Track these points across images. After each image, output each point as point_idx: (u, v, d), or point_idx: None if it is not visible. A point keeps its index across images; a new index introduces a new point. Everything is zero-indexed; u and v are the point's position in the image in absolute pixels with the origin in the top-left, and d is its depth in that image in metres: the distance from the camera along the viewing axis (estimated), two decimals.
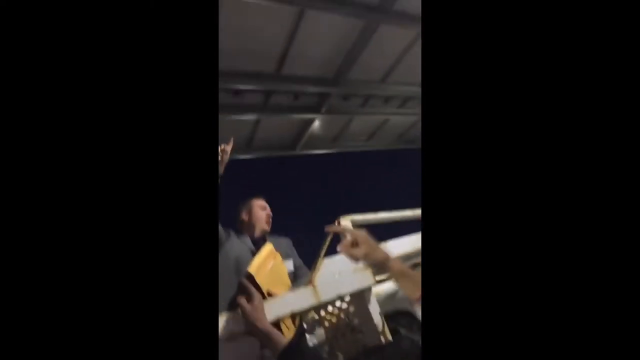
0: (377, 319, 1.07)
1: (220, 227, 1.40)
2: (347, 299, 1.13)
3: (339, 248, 0.77)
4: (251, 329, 0.80)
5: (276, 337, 0.79)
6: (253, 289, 0.81)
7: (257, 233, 1.50)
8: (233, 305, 0.98)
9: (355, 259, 0.74)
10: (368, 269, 1.08)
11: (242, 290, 0.82)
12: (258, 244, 1.45)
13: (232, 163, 1.55)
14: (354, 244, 0.74)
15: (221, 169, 1.35)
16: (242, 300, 0.81)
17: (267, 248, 1.29)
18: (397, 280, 0.75)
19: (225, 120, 2.58)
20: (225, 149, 1.37)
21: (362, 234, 0.79)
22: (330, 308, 1.15)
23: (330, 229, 0.85)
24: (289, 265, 1.48)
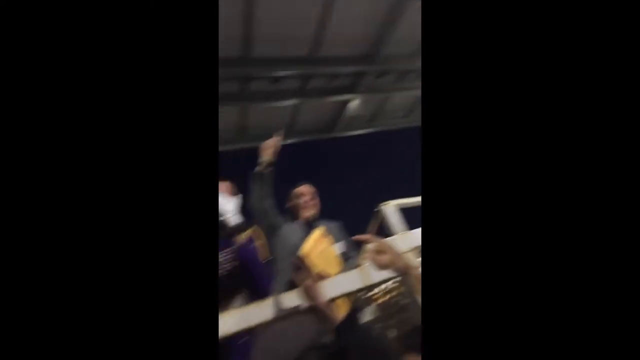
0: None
1: (277, 214, 1.52)
2: (396, 280, 1.20)
3: (366, 256, 0.81)
4: (309, 306, 0.89)
5: (331, 314, 0.89)
6: (309, 268, 0.88)
7: (304, 218, 1.60)
8: (291, 286, 1.10)
9: (381, 266, 0.78)
10: (413, 251, 1.14)
11: (299, 270, 0.89)
12: (310, 229, 1.55)
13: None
14: (380, 251, 0.79)
15: (274, 158, 1.46)
16: (300, 279, 0.89)
17: (317, 232, 1.38)
18: (416, 288, 0.79)
19: (265, 107, 2.67)
20: (276, 140, 1.46)
21: (386, 242, 0.84)
22: (381, 287, 1.24)
23: (357, 238, 0.90)
24: (339, 247, 1.57)
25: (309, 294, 0.89)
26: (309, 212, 1.56)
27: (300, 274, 0.89)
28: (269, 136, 1.60)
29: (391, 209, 1.41)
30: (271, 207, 1.48)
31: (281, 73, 2.48)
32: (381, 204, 1.38)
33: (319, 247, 1.36)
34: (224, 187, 0.98)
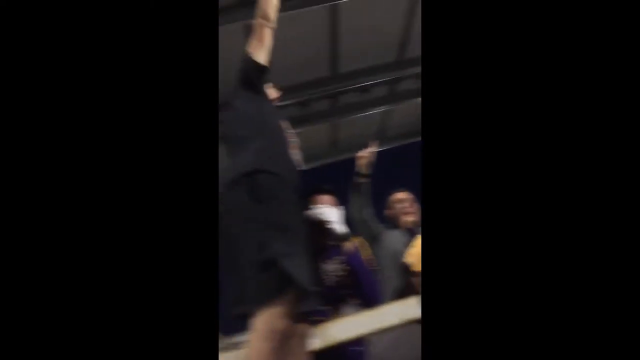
0: None
1: (377, 223, 1.51)
2: None
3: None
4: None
5: None
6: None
7: (403, 225, 1.55)
8: (399, 294, 1.06)
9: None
10: None
11: (412, 275, 0.86)
12: (411, 235, 1.50)
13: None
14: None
15: (369, 168, 1.47)
16: (415, 283, 0.85)
17: (419, 238, 1.32)
18: None
19: (354, 118, 2.72)
20: (369, 151, 1.48)
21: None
22: None
23: None
24: None
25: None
26: (410, 218, 1.52)
27: (414, 279, 0.85)
28: (362, 145, 1.63)
29: None
30: (370, 217, 1.49)
31: (369, 82, 2.50)
32: None
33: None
34: (326, 199, 1.02)
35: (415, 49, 2.37)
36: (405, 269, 1.11)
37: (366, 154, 1.49)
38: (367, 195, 1.49)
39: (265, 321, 0.73)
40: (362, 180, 1.49)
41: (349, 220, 1.48)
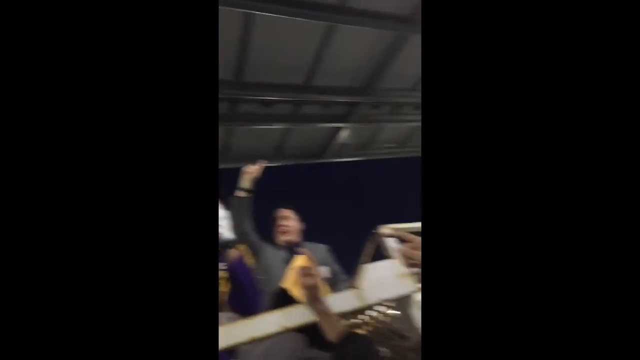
0: (419, 324, 1.16)
1: (257, 237, 1.54)
2: (390, 305, 1.22)
3: (401, 250, 0.82)
4: (312, 308, 0.89)
5: (336, 321, 0.89)
6: (315, 270, 0.89)
7: (284, 243, 1.62)
8: (276, 306, 1.09)
9: (414, 263, 0.79)
10: (410, 275, 1.18)
11: (305, 273, 0.90)
12: (291, 252, 1.57)
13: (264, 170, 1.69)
14: (415, 248, 0.80)
15: (253, 184, 1.51)
16: (307, 281, 0.89)
17: (299, 260, 1.40)
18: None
19: (256, 129, 2.75)
20: (256, 168, 1.52)
21: (318, 271, 0.89)
22: (373, 313, 1.25)
23: (389, 233, 0.94)
24: (325, 272, 1.59)
25: (316, 297, 0.89)
26: (287, 237, 1.59)
27: (307, 276, 0.89)
28: (252, 158, 1.66)
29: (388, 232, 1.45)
30: (250, 230, 1.52)
31: (273, 97, 2.59)
32: (378, 227, 1.43)
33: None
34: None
35: (325, 78, 2.60)
36: (282, 293, 1.15)
37: (252, 170, 1.53)
38: (247, 209, 1.52)
39: None
40: (244, 195, 1.52)
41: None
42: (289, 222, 1.64)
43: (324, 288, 0.91)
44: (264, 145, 3.07)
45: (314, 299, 0.91)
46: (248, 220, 1.52)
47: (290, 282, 1.22)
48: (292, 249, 1.56)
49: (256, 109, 2.64)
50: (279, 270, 1.39)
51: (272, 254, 1.50)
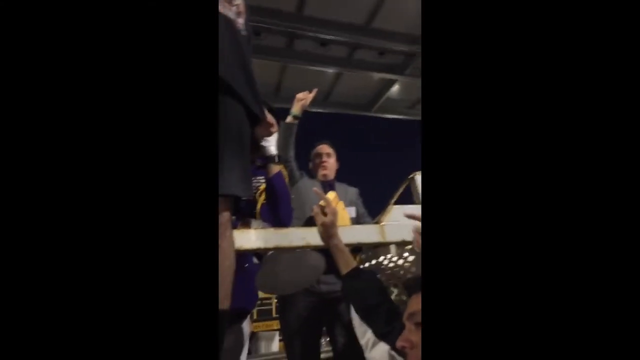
0: None
1: (296, 169, 1.62)
2: (409, 253, 1.27)
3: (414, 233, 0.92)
4: (326, 243, 0.98)
5: (348, 257, 0.96)
6: (332, 206, 0.96)
7: (320, 177, 1.70)
8: (307, 223, 1.18)
9: (318, 219, 0.93)
10: None
11: (319, 208, 0.97)
12: (325, 189, 1.65)
13: (307, 114, 1.74)
14: (324, 212, 0.92)
15: (301, 111, 1.56)
16: (319, 215, 0.97)
17: (331, 194, 1.47)
18: None
19: (309, 70, 2.75)
20: (308, 96, 1.56)
21: (334, 209, 0.95)
22: (393, 257, 1.31)
23: (410, 215, 1.00)
24: (352, 212, 1.67)
25: (329, 230, 0.96)
26: (326, 172, 1.66)
27: (321, 217, 0.95)
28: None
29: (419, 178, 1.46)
30: (293, 159, 1.59)
31: (330, 37, 2.54)
32: (414, 173, 1.45)
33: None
34: (270, 118, 1.07)
35: (383, 21, 2.49)
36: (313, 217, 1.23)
37: (304, 97, 1.56)
38: (293, 137, 1.58)
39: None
40: (294, 121, 1.56)
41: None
42: (330, 160, 1.71)
43: (338, 226, 0.97)
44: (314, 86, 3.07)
45: (328, 235, 0.98)
46: (292, 148, 1.60)
47: (317, 209, 1.29)
48: (326, 185, 1.64)
49: (313, 47, 2.61)
50: (312, 202, 1.48)
51: (307, 185, 1.59)
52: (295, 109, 1.58)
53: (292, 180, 1.62)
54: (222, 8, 0.90)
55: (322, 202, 0.98)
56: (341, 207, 1.53)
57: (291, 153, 1.62)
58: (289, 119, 1.58)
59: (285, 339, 1.58)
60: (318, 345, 1.56)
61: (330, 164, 1.75)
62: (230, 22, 0.91)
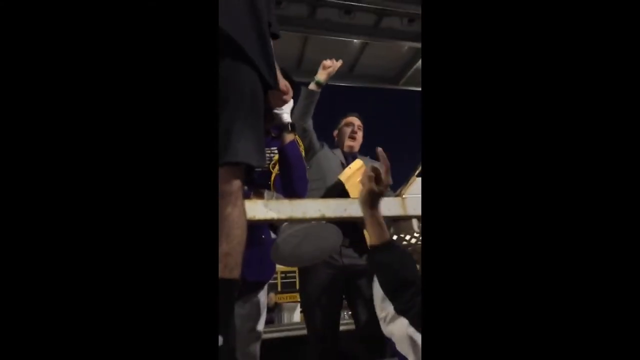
0: None
1: (315, 139, 1.58)
2: None
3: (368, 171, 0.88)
4: (365, 212, 0.91)
5: (383, 229, 0.91)
6: (388, 179, 0.89)
7: (345, 148, 1.65)
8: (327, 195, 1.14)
9: (367, 187, 0.86)
10: None
11: (374, 172, 0.91)
12: (347, 159, 1.61)
13: (331, 88, 1.67)
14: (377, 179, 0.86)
15: (325, 79, 1.49)
16: (371, 180, 0.89)
17: (358, 162, 1.42)
18: None
19: (333, 40, 2.64)
20: (335, 64, 1.49)
21: (390, 180, 0.89)
22: (414, 234, 1.26)
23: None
24: None
25: (374, 200, 0.90)
26: (350, 143, 1.61)
27: (371, 183, 0.90)
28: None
29: None
30: (311, 128, 1.54)
31: (354, 3, 2.41)
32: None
33: (357, 177, 1.40)
34: (284, 85, 1.02)
35: None
36: (339, 186, 1.18)
37: (330, 64, 1.50)
38: (314, 105, 1.53)
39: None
40: (317, 89, 1.51)
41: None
42: (359, 132, 1.66)
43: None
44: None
45: (372, 205, 0.91)
46: (311, 118, 1.55)
47: (346, 178, 1.26)
48: (349, 157, 1.59)
49: (337, 16, 2.49)
50: (333, 172, 1.44)
51: (328, 156, 1.55)
52: (320, 75, 1.52)
53: (312, 150, 1.58)
54: None
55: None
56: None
57: (309, 122, 1.57)
58: (312, 86, 1.53)
59: (305, 310, 1.60)
60: (338, 317, 1.57)
61: (359, 136, 1.70)
62: None
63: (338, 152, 1.65)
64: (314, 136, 1.60)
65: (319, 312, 1.52)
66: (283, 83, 0.98)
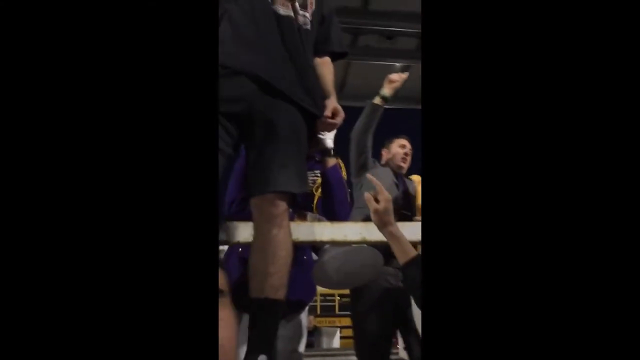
0: None
1: (370, 156, 1.59)
2: None
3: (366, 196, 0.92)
4: (382, 232, 0.93)
5: (406, 246, 0.91)
6: (385, 194, 0.91)
7: (397, 168, 1.65)
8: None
9: (372, 207, 0.91)
10: None
11: (372, 195, 0.93)
12: (398, 178, 1.60)
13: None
14: (376, 199, 0.91)
15: (391, 94, 1.51)
16: (372, 202, 0.92)
17: (416, 177, 1.41)
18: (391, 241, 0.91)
19: (376, 65, 2.70)
20: (402, 76, 1.49)
21: (387, 196, 0.91)
22: None
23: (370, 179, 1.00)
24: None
25: (384, 218, 0.92)
26: (405, 164, 1.61)
27: (374, 204, 0.92)
28: (368, 97, 1.64)
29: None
30: (370, 145, 1.54)
31: (396, 29, 2.45)
32: None
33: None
34: (332, 109, 1.06)
35: None
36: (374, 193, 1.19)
37: (396, 77, 1.50)
38: (376, 121, 1.53)
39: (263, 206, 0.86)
40: (382, 104, 1.51)
41: (350, 138, 1.54)
42: (404, 150, 1.66)
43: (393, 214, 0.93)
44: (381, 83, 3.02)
45: (384, 223, 0.93)
46: (372, 134, 1.55)
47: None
48: (399, 177, 1.59)
49: (377, 42, 2.55)
50: (387, 190, 1.46)
51: (379, 173, 1.56)
52: (386, 89, 1.50)
53: (365, 167, 1.57)
54: (276, 4, 0.93)
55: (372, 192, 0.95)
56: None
57: (370, 138, 1.55)
58: (377, 100, 1.51)
59: (355, 333, 1.53)
60: (389, 342, 1.49)
61: (409, 158, 1.70)
62: (281, 19, 0.93)
63: (388, 171, 1.66)
64: (370, 153, 1.61)
65: (371, 336, 1.46)
66: (332, 107, 1.01)
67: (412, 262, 0.89)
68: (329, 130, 1.07)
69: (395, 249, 0.92)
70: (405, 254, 0.90)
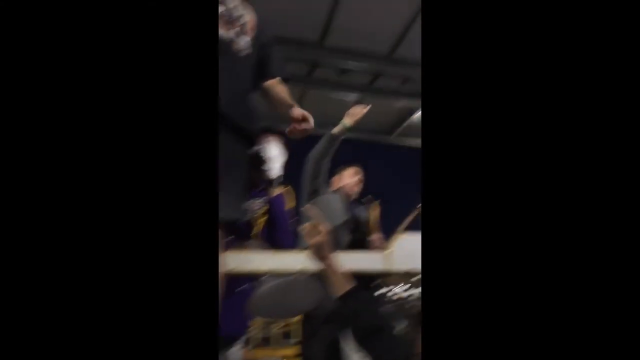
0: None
1: (326, 180, 1.59)
2: (413, 279, 1.20)
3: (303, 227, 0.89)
4: (318, 265, 0.93)
5: (342, 278, 0.90)
6: (323, 227, 0.89)
7: (348, 195, 1.67)
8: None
9: (309, 239, 0.88)
10: None
11: (310, 226, 0.90)
12: (349, 204, 1.61)
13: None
14: (314, 231, 0.89)
15: (353, 125, 1.52)
16: (310, 234, 0.89)
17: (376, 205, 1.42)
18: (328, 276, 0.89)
19: (330, 97, 2.80)
20: (363, 110, 1.53)
21: (325, 228, 0.90)
22: (397, 289, 1.24)
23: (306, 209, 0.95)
24: None
25: (320, 252, 0.92)
26: (357, 190, 1.64)
27: (314, 230, 0.91)
28: (324, 125, 1.68)
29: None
30: (325, 171, 1.55)
31: (350, 65, 2.59)
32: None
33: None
34: (273, 138, 1.06)
35: (405, 49, 2.51)
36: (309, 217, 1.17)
37: (358, 111, 1.53)
38: (334, 149, 1.54)
39: None
40: (342, 133, 1.52)
41: (306, 162, 1.53)
42: (356, 178, 1.68)
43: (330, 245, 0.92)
44: (334, 114, 3.11)
45: (321, 256, 0.92)
46: (329, 162, 1.53)
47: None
48: (348, 203, 1.61)
49: (333, 75, 2.67)
50: (339, 215, 1.45)
51: (333, 200, 1.55)
52: (348, 120, 1.50)
53: (318, 193, 1.56)
54: (220, 29, 0.93)
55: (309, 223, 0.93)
56: None
57: (326, 166, 1.54)
58: (336, 130, 1.51)
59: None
60: None
61: (361, 186, 1.73)
62: (224, 44, 0.94)
63: (337, 197, 1.67)
64: (324, 179, 1.60)
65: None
66: (300, 113, 0.95)
67: (347, 295, 0.88)
68: (301, 137, 1.04)
69: (332, 283, 0.91)
70: (340, 287, 0.89)
